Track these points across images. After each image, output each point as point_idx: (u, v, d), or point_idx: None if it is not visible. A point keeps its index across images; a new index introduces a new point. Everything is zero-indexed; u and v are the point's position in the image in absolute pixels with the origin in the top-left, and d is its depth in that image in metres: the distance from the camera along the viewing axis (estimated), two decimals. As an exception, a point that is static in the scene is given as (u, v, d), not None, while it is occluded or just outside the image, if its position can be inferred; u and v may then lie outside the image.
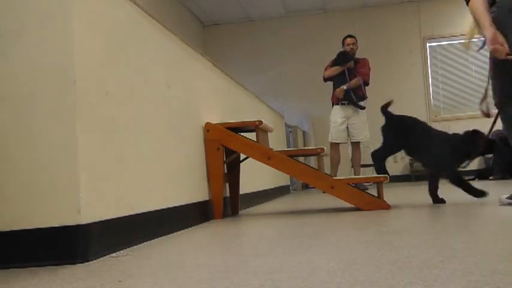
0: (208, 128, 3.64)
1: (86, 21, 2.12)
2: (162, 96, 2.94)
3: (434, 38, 9.49)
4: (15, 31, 2.02)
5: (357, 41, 6.68)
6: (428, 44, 9.49)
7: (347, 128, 6.58)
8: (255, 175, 4.96)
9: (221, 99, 4.31)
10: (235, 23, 10.10)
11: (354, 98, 6.45)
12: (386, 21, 9.60)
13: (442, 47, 9.52)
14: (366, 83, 6.58)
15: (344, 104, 6.52)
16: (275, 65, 9.82)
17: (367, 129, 6.62)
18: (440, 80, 9.49)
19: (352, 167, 6.84)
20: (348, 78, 6.44)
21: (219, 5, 9.36)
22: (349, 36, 6.70)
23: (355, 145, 6.68)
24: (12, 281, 1.66)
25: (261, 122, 3.75)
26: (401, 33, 9.53)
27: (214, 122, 3.70)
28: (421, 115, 9.34)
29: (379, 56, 9.51)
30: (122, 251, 2.15)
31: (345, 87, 6.41)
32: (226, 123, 3.75)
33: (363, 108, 6.53)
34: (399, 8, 9.60)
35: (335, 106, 6.63)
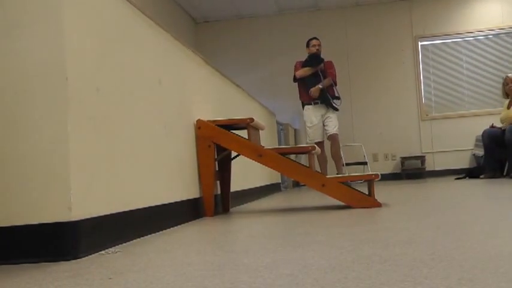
0: (200, 125, 3.63)
1: (77, 18, 2.10)
2: (154, 93, 2.93)
3: (426, 37, 9.52)
4: (7, 28, 2.00)
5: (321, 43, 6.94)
6: (420, 43, 9.52)
7: (323, 125, 6.78)
8: (246, 173, 4.95)
9: (213, 97, 4.30)
10: (227, 20, 10.07)
11: (329, 98, 6.66)
12: (378, 19, 9.62)
13: (434, 45, 9.55)
14: (335, 84, 6.83)
15: (317, 103, 6.71)
16: (267, 63, 9.81)
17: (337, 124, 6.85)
18: (432, 78, 9.53)
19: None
20: (322, 78, 6.68)
21: (211, 2, 9.33)
22: (315, 38, 6.97)
23: (333, 138, 6.78)
24: (0, 277, 1.65)
25: (252, 120, 3.75)
26: (393, 31, 9.56)
27: (206, 119, 3.69)
28: (412, 113, 9.42)
29: (371, 54, 9.53)
30: (112, 248, 2.14)
31: (320, 86, 6.62)
32: (217, 120, 3.74)
33: (336, 109, 6.75)
34: (391, 6, 9.62)
35: (307, 106, 6.82)
